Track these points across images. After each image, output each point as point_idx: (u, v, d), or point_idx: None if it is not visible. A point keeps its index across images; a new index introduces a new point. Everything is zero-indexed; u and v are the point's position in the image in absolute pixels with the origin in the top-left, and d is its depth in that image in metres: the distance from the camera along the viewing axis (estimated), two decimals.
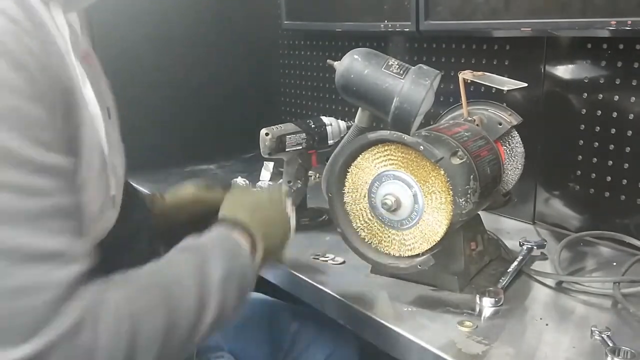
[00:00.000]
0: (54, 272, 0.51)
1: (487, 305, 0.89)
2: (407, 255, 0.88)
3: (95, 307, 0.53)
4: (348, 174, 0.90)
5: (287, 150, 1.19)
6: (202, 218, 0.87)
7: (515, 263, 1.00)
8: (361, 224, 0.91)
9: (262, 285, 1.17)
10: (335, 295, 0.93)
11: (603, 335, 0.79)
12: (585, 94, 1.13)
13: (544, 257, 1.07)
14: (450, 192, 0.82)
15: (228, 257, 0.68)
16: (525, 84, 1.04)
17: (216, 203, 0.81)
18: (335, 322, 0.95)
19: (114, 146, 0.72)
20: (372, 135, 0.86)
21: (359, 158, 0.88)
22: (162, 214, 0.95)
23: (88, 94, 0.65)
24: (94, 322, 0.52)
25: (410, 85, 0.86)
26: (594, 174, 1.14)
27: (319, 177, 1.59)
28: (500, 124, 1.05)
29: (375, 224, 0.90)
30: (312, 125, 1.23)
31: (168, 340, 0.58)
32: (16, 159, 0.50)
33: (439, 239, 0.85)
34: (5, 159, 0.50)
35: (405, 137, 0.83)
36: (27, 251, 0.50)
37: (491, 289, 0.91)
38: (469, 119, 1.06)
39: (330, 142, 1.25)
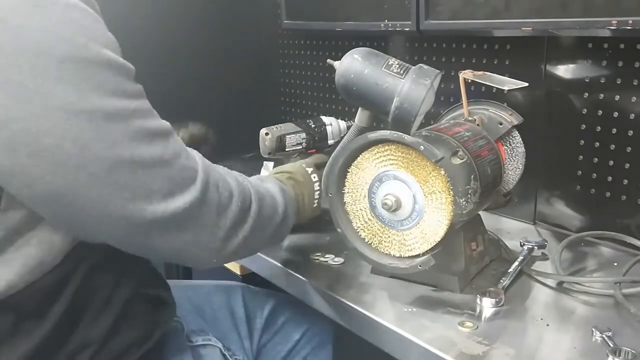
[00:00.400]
0: (179, 140, 0.71)
1: (487, 306, 0.88)
2: (407, 255, 0.88)
3: (208, 175, 0.73)
4: (348, 173, 0.90)
5: (287, 150, 1.18)
6: None
7: (516, 263, 1.00)
8: (361, 224, 0.91)
9: (259, 284, 1.17)
10: (335, 295, 0.92)
11: (604, 336, 0.79)
12: (586, 94, 1.12)
13: (544, 257, 1.07)
14: (451, 192, 0.82)
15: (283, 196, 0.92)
16: (526, 84, 1.03)
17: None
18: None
19: None
20: (372, 135, 0.86)
21: (359, 158, 0.88)
22: None
23: None
24: (214, 184, 0.73)
25: (410, 85, 0.85)
26: (594, 174, 1.14)
27: None
28: (500, 124, 1.05)
29: (376, 224, 0.89)
30: (312, 125, 1.22)
31: (261, 217, 0.82)
32: (119, 69, 0.65)
33: (439, 239, 0.84)
34: (117, 70, 0.65)
35: (406, 137, 0.82)
36: (165, 130, 0.69)
37: (492, 289, 0.91)
38: (470, 118, 1.06)
39: (330, 142, 1.25)
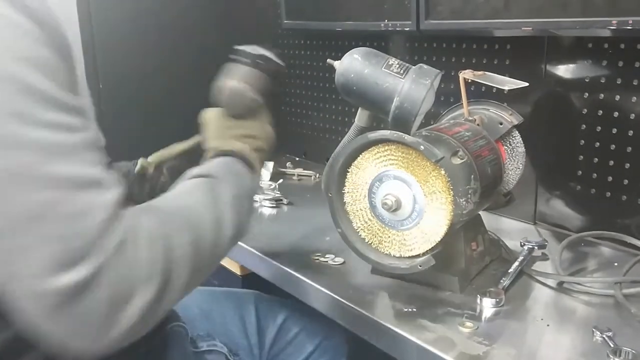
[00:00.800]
0: (100, 196, 0.56)
1: (487, 306, 0.88)
2: (407, 255, 0.88)
3: (133, 228, 0.57)
4: (348, 173, 0.90)
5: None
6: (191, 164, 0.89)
7: (516, 263, 1.00)
8: (361, 224, 0.91)
9: (259, 284, 1.17)
10: (335, 296, 0.92)
11: (604, 336, 0.79)
12: (586, 94, 1.12)
13: (545, 257, 1.07)
14: (451, 192, 0.82)
15: (233, 179, 0.79)
16: (526, 84, 1.03)
17: (198, 146, 0.93)
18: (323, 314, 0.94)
19: None
20: (373, 135, 0.86)
21: (359, 158, 0.88)
22: (152, 176, 1.02)
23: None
24: (134, 241, 0.56)
25: (410, 85, 0.85)
26: (595, 174, 1.14)
27: (318, 177, 1.59)
28: (501, 124, 1.05)
29: (376, 224, 0.89)
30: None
31: (197, 253, 0.65)
32: (48, 99, 0.54)
33: (439, 239, 0.84)
34: (39, 100, 0.53)
35: (406, 136, 0.82)
36: (75, 180, 0.54)
37: (492, 289, 0.91)
38: (470, 118, 1.06)
39: None
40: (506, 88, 1.03)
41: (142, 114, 1.56)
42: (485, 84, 1.06)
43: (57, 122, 0.54)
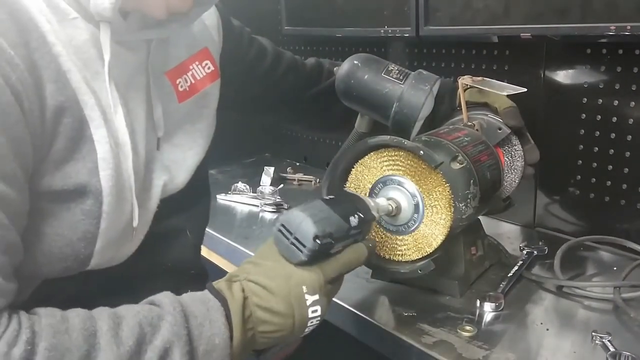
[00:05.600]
0: None
1: (487, 310, 0.89)
2: (407, 260, 0.88)
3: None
4: (351, 174, 0.90)
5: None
6: None
7: (516, 268, 1.00)
8: None
9: None
10: (336, 300, 0.92)
11: (604, 340, 0.79)
12: (585, 99, 1.13)
13: (544, 261, 1.07)
14: (450, 196, 0.82)
15: (185, 336, 0.59)
16: (525, 89, 1.04)
17: None
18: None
19: (150, 177, 0.72)
20: (372, 141, 0.86)
21: (366, 157, 0.88)
22: None
23: (118, 120, 0.65)
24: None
25: (410, 91, 0.86)
26: (594, 179, 1.14)
27: (319, 182, 1.60)
28: (499, 129, 1.05)
29: (375, 228, 0.90)
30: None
31: None
32: None
33: (438, 243, 0.85)
34: None
35: (405, 141, 0.83)
36: None
37: (491, 293, 0.91)
38: (469, 124, 1.07)
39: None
40: (505, 93, 1.04)
41: None
42: (484, 90, 1.07)
43: None
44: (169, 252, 0.79)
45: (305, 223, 0.65)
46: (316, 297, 0.65)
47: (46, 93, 0.59)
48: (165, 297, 0.62)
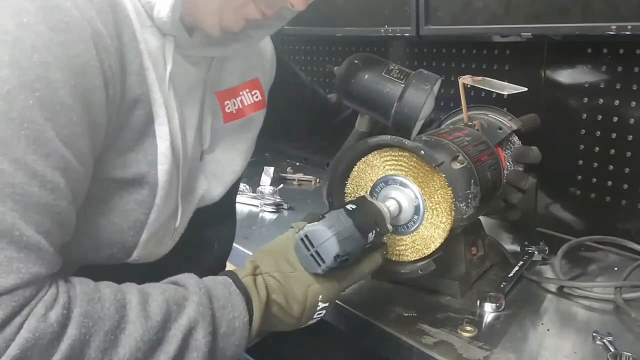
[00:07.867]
0: None
1: (488, 311, 0.89)
2: (407, 260, 0.88)
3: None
4: (353, 171, 0.90)
5: None
6: None
7: (516, 268, 1.00)
8: None
9: None
10: (336, 300, 0.92)
11: (605, 341, 0.79)
12: (586, 99, 1.13)
13: (545, 262, 1.07)
14: (451, 196, 0.82)
15: (211, 317, 0.63)
16: (526, 89, 1.04)
17: None
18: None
19: (194, 183, 0.77)
20: (373, 140, 0.86)
21: (369, 155, 0.88)
22: None
23: (163, 130, 0.67)
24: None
25: (410, 90, 0.86)
26: (594, 179, 1.14)
27: (319, 182, 1.59)
28: (500, 129, 1.05)
29: None
30: None
31: None
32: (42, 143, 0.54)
33: (439, 243, 0.84)
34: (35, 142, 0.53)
35: (406, 141, 0.83)
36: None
37: (492, 294, 0.91)
38: (469, 123, 1.06)
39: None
40: (505, 93, 1.03)
41: None
42: (484, 89, 1.06)
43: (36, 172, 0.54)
44: (196, 262, 0.82)
45: (330, 242, 0.68)
46: (327, 304, 0.71)
47: (128, 84, 0.64)
48: (189, 278, 0.66)
